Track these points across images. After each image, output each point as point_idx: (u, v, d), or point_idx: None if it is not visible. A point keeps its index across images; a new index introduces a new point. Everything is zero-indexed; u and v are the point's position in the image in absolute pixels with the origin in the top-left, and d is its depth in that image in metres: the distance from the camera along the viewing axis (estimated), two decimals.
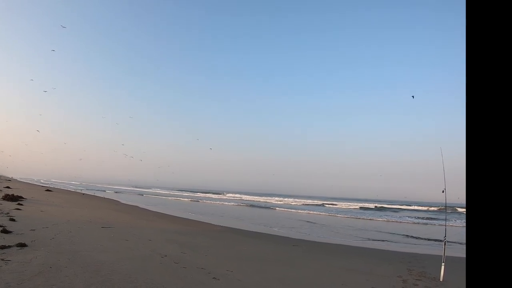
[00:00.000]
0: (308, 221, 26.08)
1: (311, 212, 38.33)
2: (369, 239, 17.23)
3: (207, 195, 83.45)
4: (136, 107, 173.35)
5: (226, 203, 50.49)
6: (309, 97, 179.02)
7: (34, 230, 10.16)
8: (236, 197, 75.85)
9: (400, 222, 30.35)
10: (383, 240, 16.97)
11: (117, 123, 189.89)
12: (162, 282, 6.15)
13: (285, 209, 42.11)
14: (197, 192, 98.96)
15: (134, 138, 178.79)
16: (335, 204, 57.43)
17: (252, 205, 49.54)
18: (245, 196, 78.70)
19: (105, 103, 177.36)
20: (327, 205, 55.42)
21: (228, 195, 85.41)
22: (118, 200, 38.26)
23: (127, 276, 6.30)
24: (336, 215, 35.88)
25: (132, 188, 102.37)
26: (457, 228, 24.59)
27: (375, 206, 53.62)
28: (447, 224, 9.70)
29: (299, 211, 39.58)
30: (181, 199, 56.65)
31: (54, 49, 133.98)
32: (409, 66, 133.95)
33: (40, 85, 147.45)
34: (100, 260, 7.28)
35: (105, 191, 66.35)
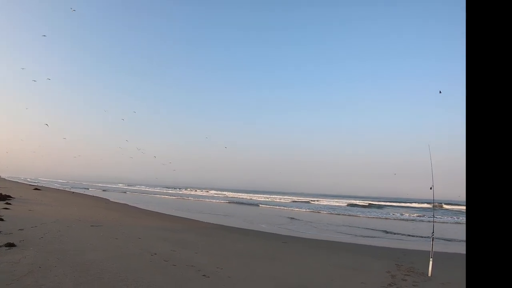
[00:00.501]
0: (294, 218, 26.31)
1: (298, 209, 38.60)
2: (358, 236, 17.51)
3: (194, 192, 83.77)
4: (135, 105, 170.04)
5: (214, 200, 50.77)
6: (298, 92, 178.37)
7: (22, 229, 10.13)
8: (220, 194, 76.03)
9: (388, 218, 30.86)
10: (372, 237, 17.24)
11: (123, 119, 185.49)
12: (152, 280, 6.22)
13: (272, 206, 42.44)
14: (184, 188, 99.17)
15: (138, 134, 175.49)
16: (320, 201, 57.98)
17: (241, 202, 49.82)
18: (230, 193, 79.24)
19: (107, 97, 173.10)
20: (314, 202, 55.89)
21: (212, 192, 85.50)
22: (107, 198, 38.03)
23: (116, 274, 6.36)
24: (321, 211, 36.16)
25: (119, 186, 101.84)
26: (444, 224, 25.32)
27: (369, 204, 54.08)
28: (434, 220, 9.90)
29: (286, 208, 39.85)
30: (168, 196, 56.77)
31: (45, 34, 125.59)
32: (412, 60, 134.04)
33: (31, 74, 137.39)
34: (90, 259, 7.32)
35: (88, 189, 65.78)
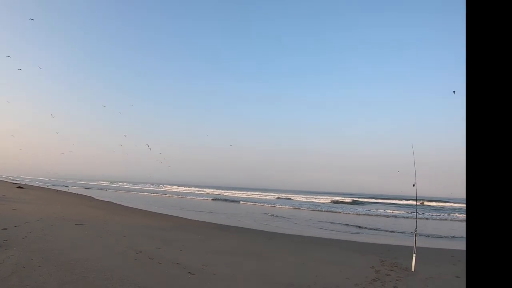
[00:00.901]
0: (276, 215, 26.57)
1: (279, 206, 39.05)
2: (341, 232, 17.87)
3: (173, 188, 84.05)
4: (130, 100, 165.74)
5: (195, 198, 50.65)
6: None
7: (6, 229, 10.02)
8: (202, 191, 75.70)
9: (371, 215, 31.53)
10: (356, 233, 17.64)
11: (121, 112, 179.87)
12: (138, 279, 6.28)
13: (253, 203, 42.61)
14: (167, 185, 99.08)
15: (135, 130, 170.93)
16: (304, 197, 58.45)
17: (225, 199, 49.99)
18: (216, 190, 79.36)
19: (101, 91, 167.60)
20: (297, 199, 56.21)
21: (192, 188, 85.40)
22: (92, 196, 37.65)
23: (101, 273, 6.40)
24: (303, 208, 36.62)
25: (101, 184, 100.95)
26: (425, 221, 26.00)
27: (353, 200, 54.75)
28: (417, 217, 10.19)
29: (267, 204, 40.10)
30: (149, 194, 56.61)
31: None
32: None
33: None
34: (74, 258, 7.33)
35: (68, 186, 64.82)
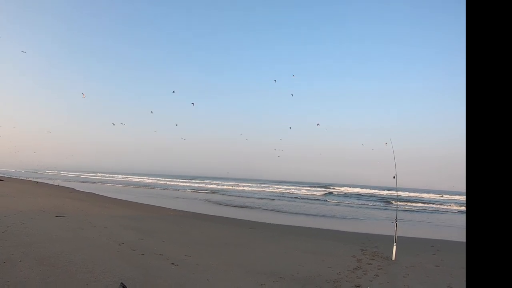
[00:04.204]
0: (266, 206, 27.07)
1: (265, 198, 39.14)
2: (322, 221, 18.56)
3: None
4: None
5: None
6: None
7: None
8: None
9: (350, 205, 32.83)
10: (337, 223, 18.33)
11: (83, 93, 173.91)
12: (121, 270, 6.47)
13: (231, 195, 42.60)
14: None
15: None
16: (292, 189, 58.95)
17: (203, 190, 49.84)
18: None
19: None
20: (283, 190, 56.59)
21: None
22: (73, 187, 37.35)
23: (84, 266, 6.57)
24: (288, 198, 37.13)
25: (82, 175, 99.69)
26: (405, 211, 27.16)
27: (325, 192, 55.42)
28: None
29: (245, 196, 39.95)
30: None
31: None
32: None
33: None
34: (56, 252, 7.47)
35: (55, 179, 63.62)
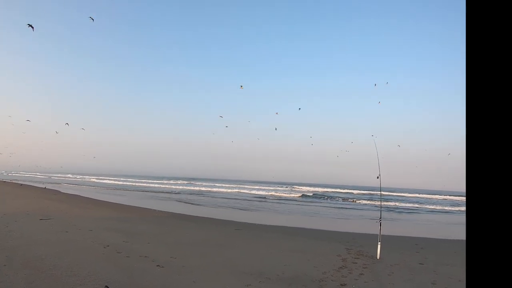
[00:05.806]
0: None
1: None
2: (307, 221, 18.97)
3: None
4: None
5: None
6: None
7: None
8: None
9: (335, 205, 33.40)
10: (322, 222, 18.81)
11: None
12: (106, 274, 6.57)
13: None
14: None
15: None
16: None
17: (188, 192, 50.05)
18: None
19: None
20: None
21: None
22: (58, 190, 36.95)
23: (69, 270, 6.65)
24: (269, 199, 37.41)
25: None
26: (389, 210, 27.68)
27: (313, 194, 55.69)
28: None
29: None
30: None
31: None
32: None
33: None
34: (41, 255, 7.52)
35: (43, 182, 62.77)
